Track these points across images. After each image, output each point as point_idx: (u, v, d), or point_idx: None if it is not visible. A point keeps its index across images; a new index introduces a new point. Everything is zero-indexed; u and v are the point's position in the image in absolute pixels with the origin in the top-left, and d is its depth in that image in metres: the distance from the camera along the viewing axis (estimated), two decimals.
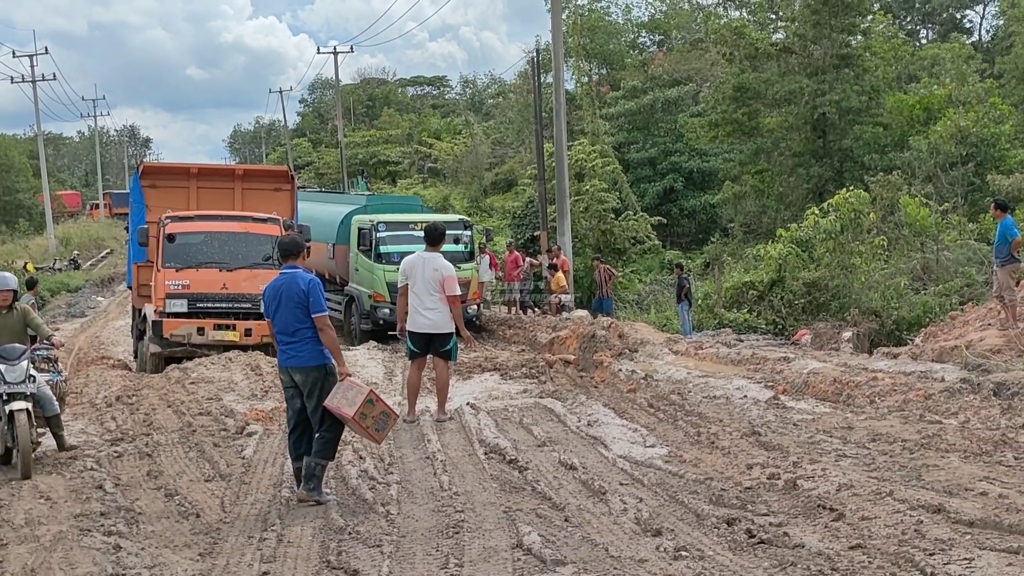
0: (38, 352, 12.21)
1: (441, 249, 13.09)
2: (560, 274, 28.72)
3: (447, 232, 24.16)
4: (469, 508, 8.87)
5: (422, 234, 14.00)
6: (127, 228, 27.36)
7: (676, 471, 9.90)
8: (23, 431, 10.89)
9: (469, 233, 26.87)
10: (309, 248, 10.03)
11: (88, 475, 10.57)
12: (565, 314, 27.88)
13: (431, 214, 30.02)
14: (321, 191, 40.05)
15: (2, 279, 12.01)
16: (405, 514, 8.85)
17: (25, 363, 11.45)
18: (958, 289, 26.63)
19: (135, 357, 23.09)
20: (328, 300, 10.50)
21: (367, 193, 33.98)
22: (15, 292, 12.08)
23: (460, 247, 25.74)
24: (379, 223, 25.65)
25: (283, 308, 9.42)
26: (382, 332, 24.43)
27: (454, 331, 12.81)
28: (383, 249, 25.20)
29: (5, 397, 11.22)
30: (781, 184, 41.96)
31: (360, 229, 26.34)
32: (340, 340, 11.47)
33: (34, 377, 11.52)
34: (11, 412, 11.10)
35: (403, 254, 17.21)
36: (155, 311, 20.28)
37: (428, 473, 10.24)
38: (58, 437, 11.99)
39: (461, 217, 29.10)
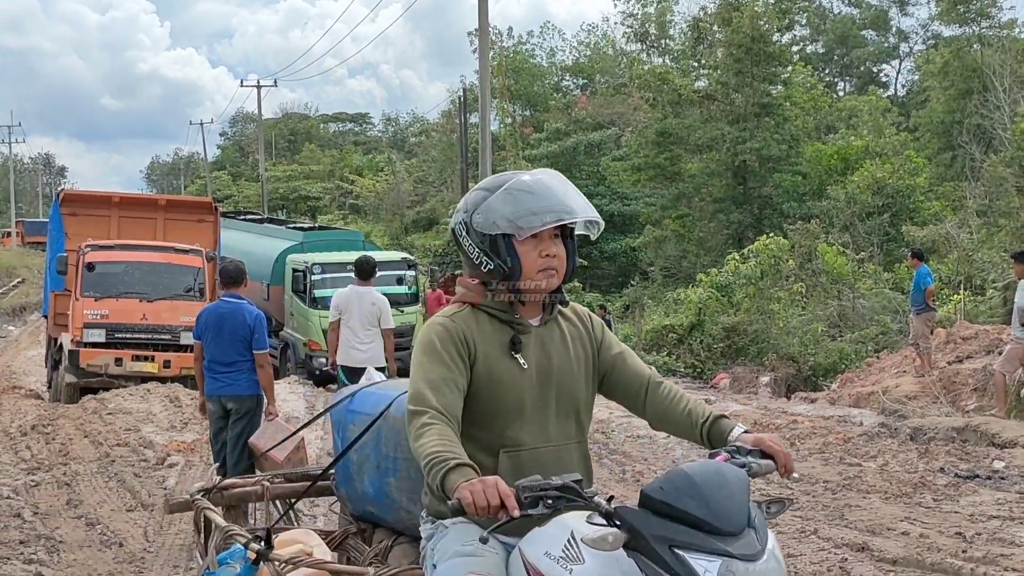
0: None
1: (372, 283, 13.02)
2: None
3: (391, 272, 23.80)
4: None
5: None
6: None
7: None
8: None
9: (413, 273, 25.02)
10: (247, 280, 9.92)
11: (5, 503, 10.32)
12: None
13: (373, 251, 27.79)
14: (261, 218, 36.32)
15: None
16: None
17: None
18: (873, 336, 27.07)
19: (49, 387, 22.66)
20: None
21: (306, 227, 31.85)
22: None
23: (404, 288, 24.03)
24: (314, 264, 23.70)
25: (224, 338, 9.30)
26: (318, 381, 22.07)
27: (386, 365, 12.77)
28: (318, 293, 23.08)
29: None
30: (702, 229, 42.51)
31: (294, 270, 24.48)
32: None
33: None
34: None
35: None
36: (72, 340, 19.94)
37: None
38: None
39: (404, 256, 26.79)
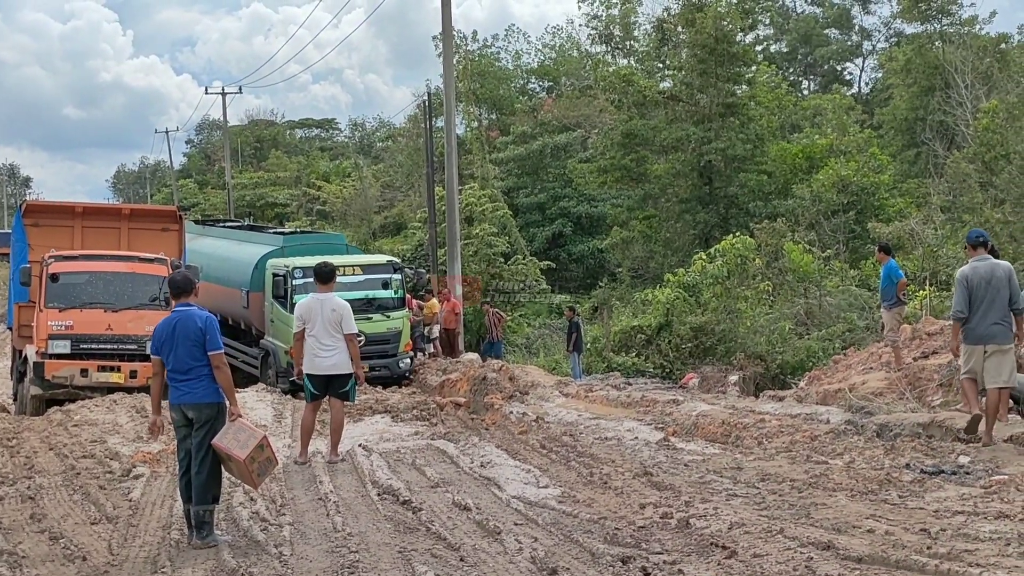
0: None
1: (334, 288, 12.95)
2: (434, 301, 28.23)
3: (375, 276, 23.47)
4: (363, 548, 8.78)
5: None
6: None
7: (570, 511, 9.92)
8: None
9: (399, 277, 23.93)
10: (197, 288, 9.82)
11: None
12: (429, 349, 27.31)
13: (357, 254, 27.22)
14: (240, 224, 35.94)
15: None
16: (299, 555, 8.73)
17: None
18: (840, 334, 27.20)
19: (14, 400, 22.49)
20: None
21: (287, 231, 31.05)
22: None
23: (389, 293, 23.35)
24: (294, 269, 22.43)
25: (178, 346, 9.25)
26: (286, 389, 21.13)
27: (352, 372, 12.72)
28: (299, 298, 20.61)
29: None
30: (668, 230, 42.64)
31: (275, 275, 23.31)
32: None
33: None
34: None
35: None
36: (37, 352, 19.80)
37: (321, 514, 10.12)
38: None
39: (390, 259, 25.47)
